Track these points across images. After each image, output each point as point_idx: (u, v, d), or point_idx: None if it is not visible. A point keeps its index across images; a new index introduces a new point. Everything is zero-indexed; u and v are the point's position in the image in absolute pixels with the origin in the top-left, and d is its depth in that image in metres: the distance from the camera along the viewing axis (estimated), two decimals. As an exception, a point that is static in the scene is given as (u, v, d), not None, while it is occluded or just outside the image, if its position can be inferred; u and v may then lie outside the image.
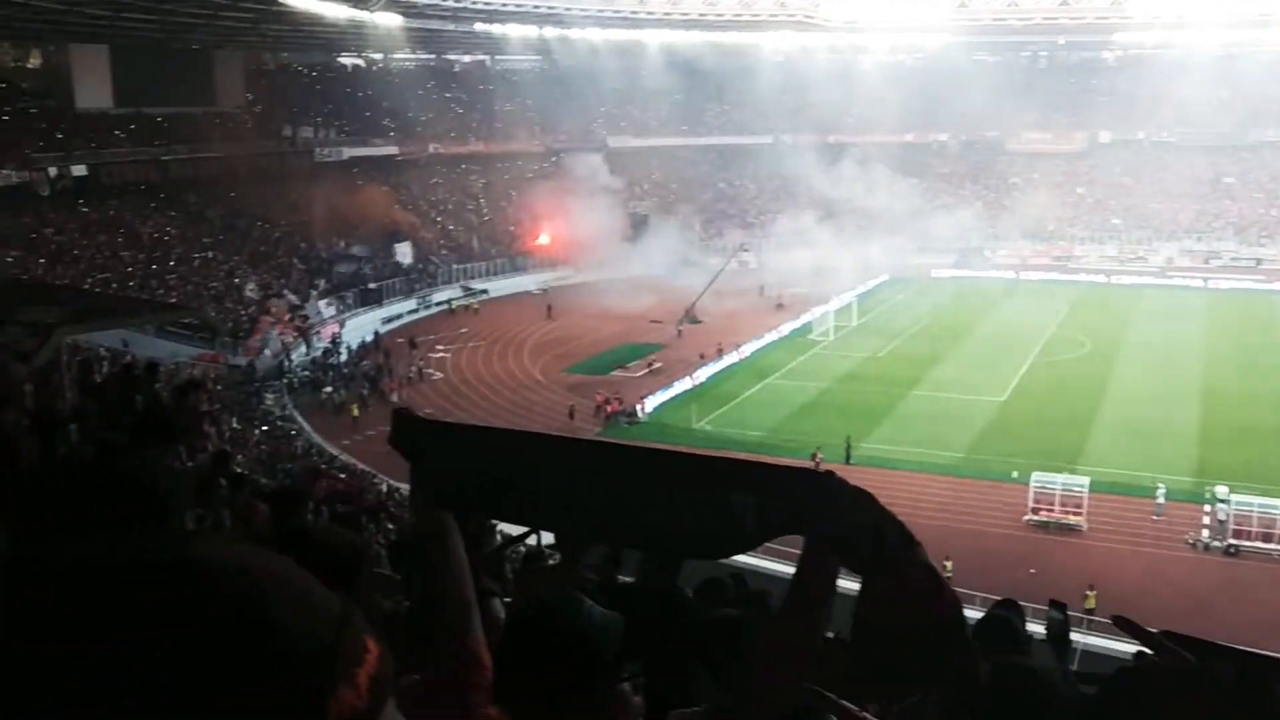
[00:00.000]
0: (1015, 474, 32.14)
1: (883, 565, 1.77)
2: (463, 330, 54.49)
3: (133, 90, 60.17)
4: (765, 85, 74.28)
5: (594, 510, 2.00)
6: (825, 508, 1.79)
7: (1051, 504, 29.62)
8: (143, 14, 46.93)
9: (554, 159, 74.29)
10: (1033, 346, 49.28)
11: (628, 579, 6.11)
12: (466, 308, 58.78)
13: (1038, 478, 30.33)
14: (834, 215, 67.23)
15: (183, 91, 62.18)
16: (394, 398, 43.80)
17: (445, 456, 2.17)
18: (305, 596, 0.75)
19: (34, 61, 63.89)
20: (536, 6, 61.81)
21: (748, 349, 49.52)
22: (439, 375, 46.58)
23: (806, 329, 53.00)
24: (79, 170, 54.08)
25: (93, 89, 58.87)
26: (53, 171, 52.90)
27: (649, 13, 66.46)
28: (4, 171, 50.34)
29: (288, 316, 49.88)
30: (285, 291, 52.81)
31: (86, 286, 42.01)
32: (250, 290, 51.68)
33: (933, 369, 46.09)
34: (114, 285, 46.17)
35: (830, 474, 1.84)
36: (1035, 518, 29.70)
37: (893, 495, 31.50)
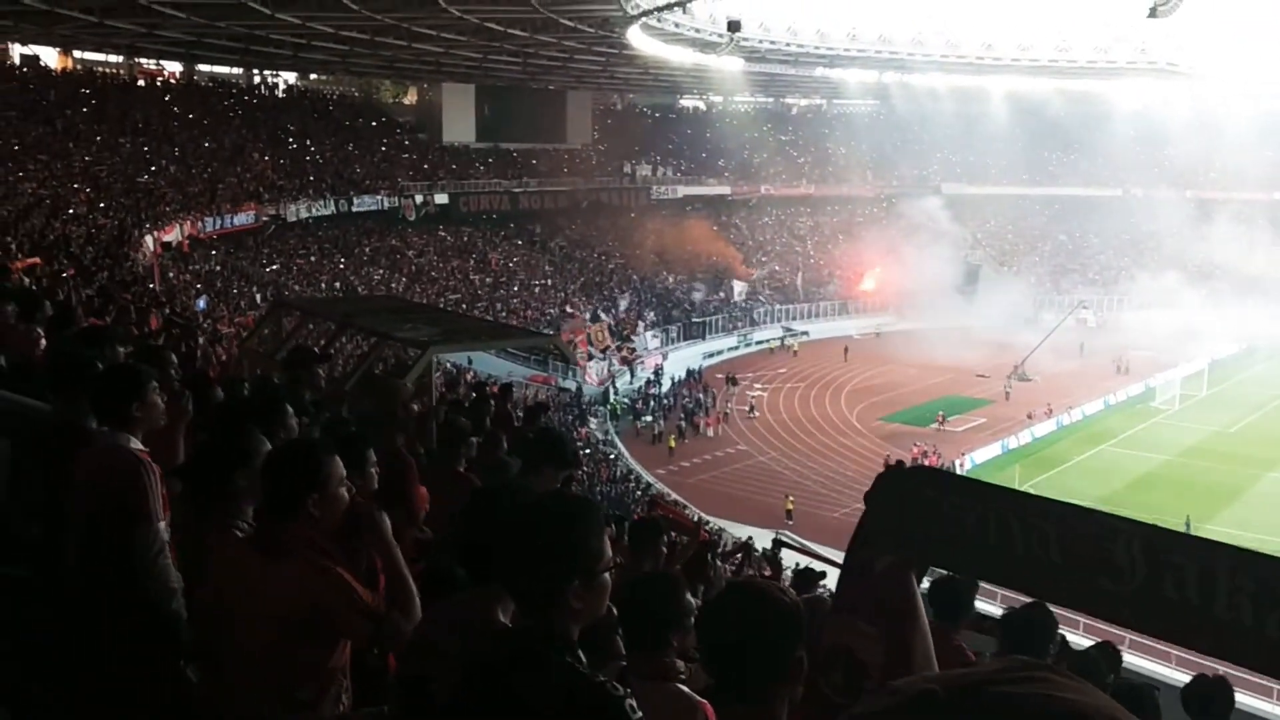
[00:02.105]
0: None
1: None
2: (780, 370, 54.61)
3: (493, 126, 65.39)
4: (1117, 134, 69.66)
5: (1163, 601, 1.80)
6: None
7: None
8: (508, 57, 50.50)
9: (885, 204, 73.28)
10: None
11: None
12: (786, 348, 58.90)
13: None
14: (1188, 275, 62.13)
15: (537, 129, 66.76)
16: (709, 432, 44.61)
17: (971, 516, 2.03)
18: None
19: (409, 98, 70.39)
20: (879, 52, 61.27)
21: (1081, 412, 46.64)
22: (756, 414, 46.88)
23: (1148, 395, 49.21)
24: (441, 198, 58.76)
25: (459, 124, 64.31)
26: (419, 199, 57.70)
27: (995, 58, 64.28)
28: (378, 196, 55.60)
29: (616, 345, 51.93)
30: (603, 318, 55.01)
31: (441, 305, 45.57)
32: (606, 321, 54.01)
33: (1295, 450, 41.56)
34: (463, 305, 49.71)
35: None
36: None
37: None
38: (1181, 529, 25.25)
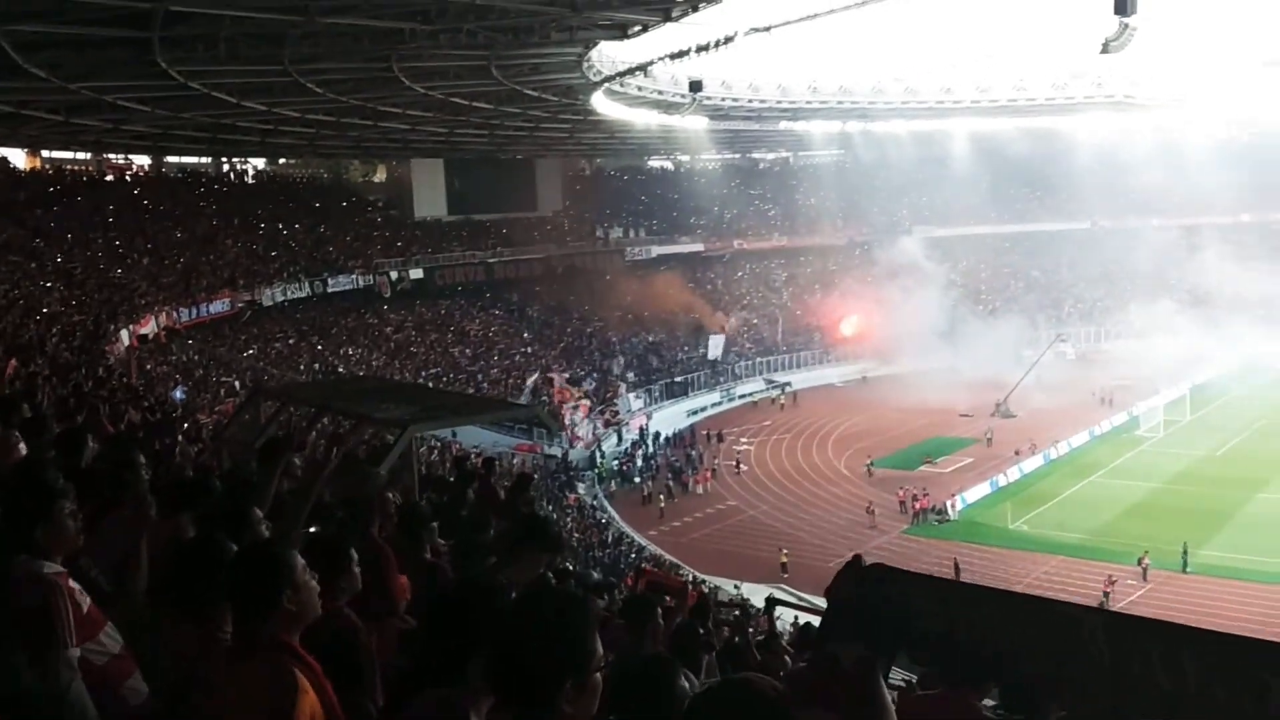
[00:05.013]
0: (1394, 593, 28.31)
1: None
2: (765, 422, 54.53)
3: (464, 198, 65.84)
4: (1080, 168, 70.44)
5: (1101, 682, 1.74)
6: None
7: None
8: (475, 129, 50.87)
9: (857, 251, 73.77)
10: None
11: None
12: (772, 401, 58.78)
13: None
14: (1162, 302, 62.54)
15: (508, 198, 67.30)
16: (699, 490, 44.38)
17: (936, 612, 1.98)
18: None
19: (379, 176, 70.81)
20: (840, 102, 61.91)
21: (1066, 445, 46.71)
22: (744, 468, 46.68)
23: (1132, 424, 49.35)
24: (416, 273, 58.93)
25: (429, 199, 64.77)
26: (393, 275, 57.83)
27: (955, 101, 65.10)
28: (352, 276, 55.65)
29: (599, 408, 51.74)
30: (589, 383, 54.87)
31: (420, 380, 45.40)
32: (585, 388, 53.70)
33: (1284, 470, 41.64)
34: (444, 379, 49.58)
35: None
36: None
37: (1239, 610, 28.26)
38: (1178, 556, 25.15)
